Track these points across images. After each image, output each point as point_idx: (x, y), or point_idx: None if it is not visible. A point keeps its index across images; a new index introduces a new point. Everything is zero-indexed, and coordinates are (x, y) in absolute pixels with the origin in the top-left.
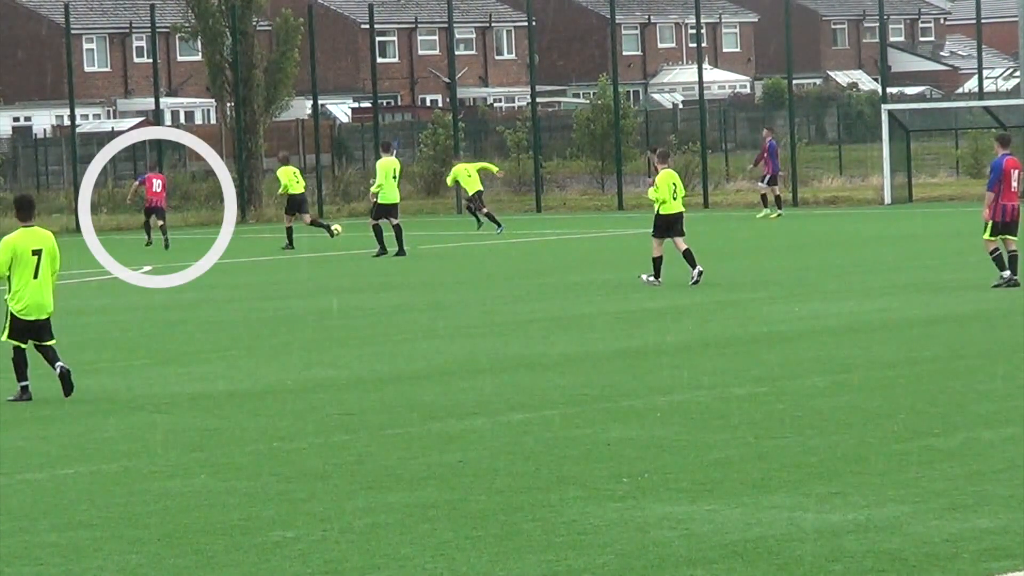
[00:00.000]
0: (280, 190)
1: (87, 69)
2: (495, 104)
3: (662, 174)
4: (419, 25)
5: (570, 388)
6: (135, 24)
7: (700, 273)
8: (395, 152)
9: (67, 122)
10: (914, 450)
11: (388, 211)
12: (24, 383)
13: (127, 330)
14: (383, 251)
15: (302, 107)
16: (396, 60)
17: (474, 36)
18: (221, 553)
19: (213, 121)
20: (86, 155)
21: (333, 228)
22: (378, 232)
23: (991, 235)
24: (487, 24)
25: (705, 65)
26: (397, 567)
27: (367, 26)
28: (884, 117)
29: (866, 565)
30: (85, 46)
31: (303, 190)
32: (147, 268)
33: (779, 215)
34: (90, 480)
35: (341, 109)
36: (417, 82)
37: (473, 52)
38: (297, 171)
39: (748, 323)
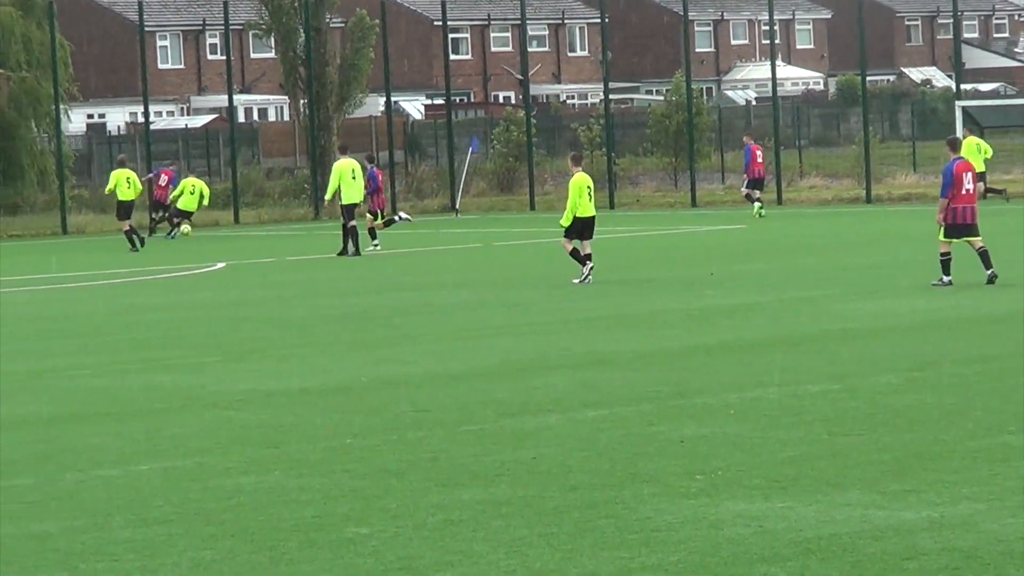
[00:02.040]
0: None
1: (161, 66)
2: (568, 101)
3: (575, 178)
4: (492, 22)
5: (643, 385)
6: (208, 21)
7: (591, 271)
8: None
9: (141, 119)
10: (988, 447)
11: (351, 211)
12: None
13: (199, 327)
14: (356, 252)
15: (375, 104)
16: (469, 57)
17: (547, 33)
18: (295, 550)
19: (287, 118)
20: (160, 152)
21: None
22: (353, 233)
23: (944, 237)
24: (560, 21)
25: (778, 62)
26: (471, 564)
27: (440, 23)
28: (958, 114)
29: (940, 563)
30: (159, 43)
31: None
32: None
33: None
34: (164, 476)
35: (414, 106)
36: (490, 79)
37: (546, 49)
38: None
39: (820, 320)
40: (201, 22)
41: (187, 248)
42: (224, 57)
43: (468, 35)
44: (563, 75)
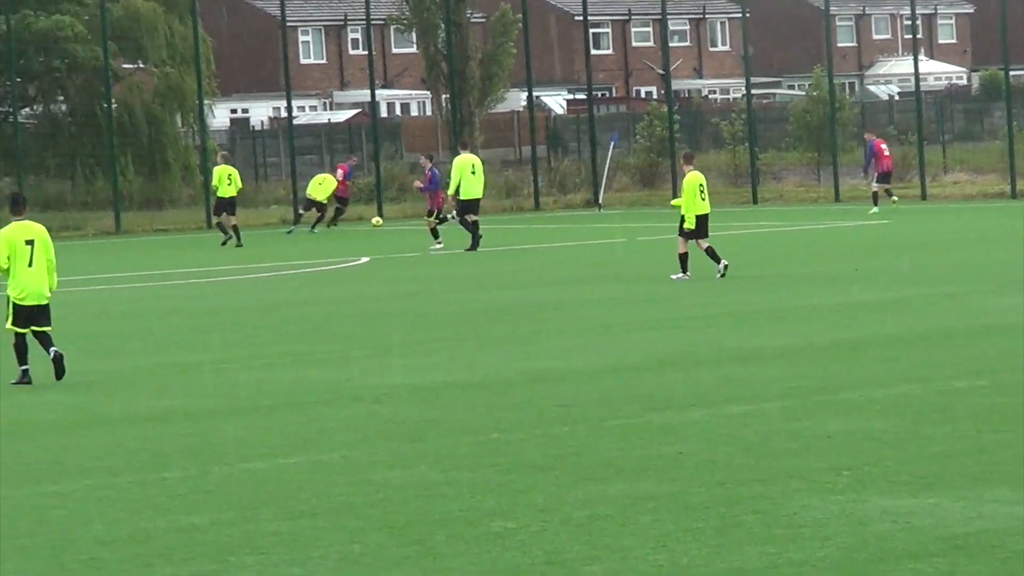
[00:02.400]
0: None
1: (303, 61)
2: (709, 96)
3: (688, 177)
4: (633, 17)
5: (788, 380)
6: (350, 16)
7: (725, 267)
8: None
9: (284, 114)
10: None
11: (469, 206)
12: (25, 367)
13: (345, 321)
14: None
15: (517, 99)
16: (610, 52)
17: (688, 28)
18: (441, 543)
19: (429, 113)
20: (303, 147)
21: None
22: (469, 226)
23: None
24: (701, 16)
25: (921, 56)
26: (617, 559)
27: (581, 18)
28: None
29: None
30: (301, 38)
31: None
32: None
33: (892, 201)
34: (311, 470)
35: (556, 101)
36: (631, 74)
37: (687, 44)
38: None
39: (967, 315)
40: (343, 17)
41: (331, 242)
42: (366, 52)
43: (609, 30)
44: (704, 70)
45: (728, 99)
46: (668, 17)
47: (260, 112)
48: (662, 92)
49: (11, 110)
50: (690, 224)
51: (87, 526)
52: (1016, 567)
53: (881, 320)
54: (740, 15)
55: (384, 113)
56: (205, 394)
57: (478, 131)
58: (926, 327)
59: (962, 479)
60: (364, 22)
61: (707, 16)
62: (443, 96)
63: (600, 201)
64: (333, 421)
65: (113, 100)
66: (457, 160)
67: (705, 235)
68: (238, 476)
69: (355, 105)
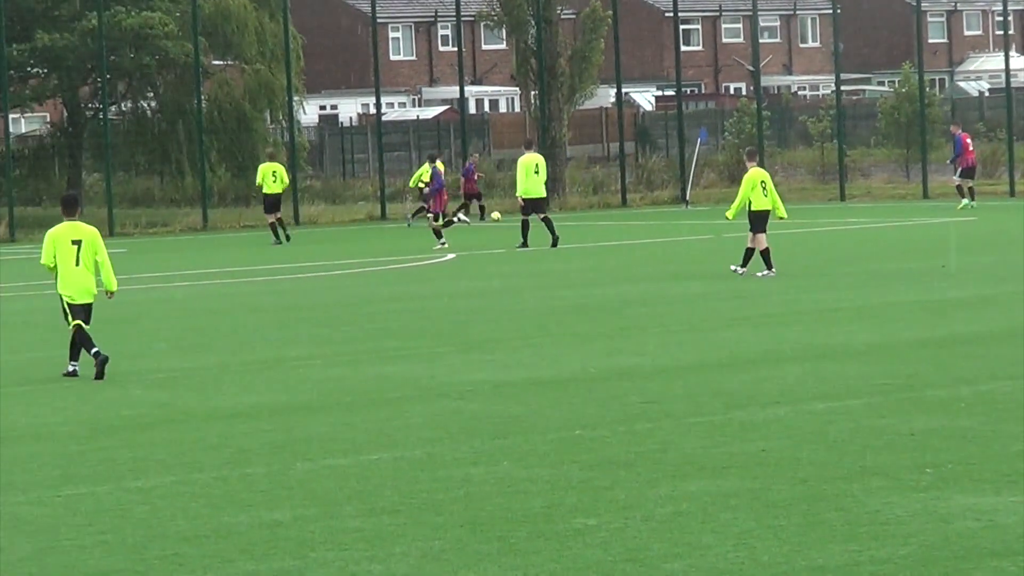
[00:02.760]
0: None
1: (392, 58)
2: (799, 92)
3: (749, 173)
4: (723, 13)
5: (874, 377)
6: (440, 13)
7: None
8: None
9: (372, 110)
10: None
11: (533, 205)
12: (78, 361)
13: (430, 317)
14: (524, 245)
15: (606, 95)
16: (700, 48)
17: (778, 24)
18: (523, 540)
19: (517, 109)
20: (391, 143)
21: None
22: (524, 226)
23: None
24: (791, 12)
25: (1012, 52)
26: (698, 556)
27: (671, 14)
28: None
29: None
30: (391, 35)
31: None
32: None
33: (970, 205)
34: (394, 466)
35: (645, 97)
36: (721, 70)
37: (777, 40)
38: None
39: None
40: (433, 14)
41: (420, 238)
42: (456, 48)
43: (699, 26)
44: (794, 66)
45: (818, 95)
46: (759, 13)
47: (349, 108)
48: (751, 89)
49: (101, 107)
50: (731, 215)
51: (170, 522)
52: None
53: (968, 317)
54: (831, 11)
55: (473, 110)
56: (288, 390)
57: (567, 127)
58: (1013, 324)
59: None
60: (454, 18)
61: (798, 12)
62: (532, 92)
63: (687, 198)
64: (416, 417)
65: (203, 96)
66: (521, 160)
67: (762, 230)
68: (320, 472)
69: (444, 101)
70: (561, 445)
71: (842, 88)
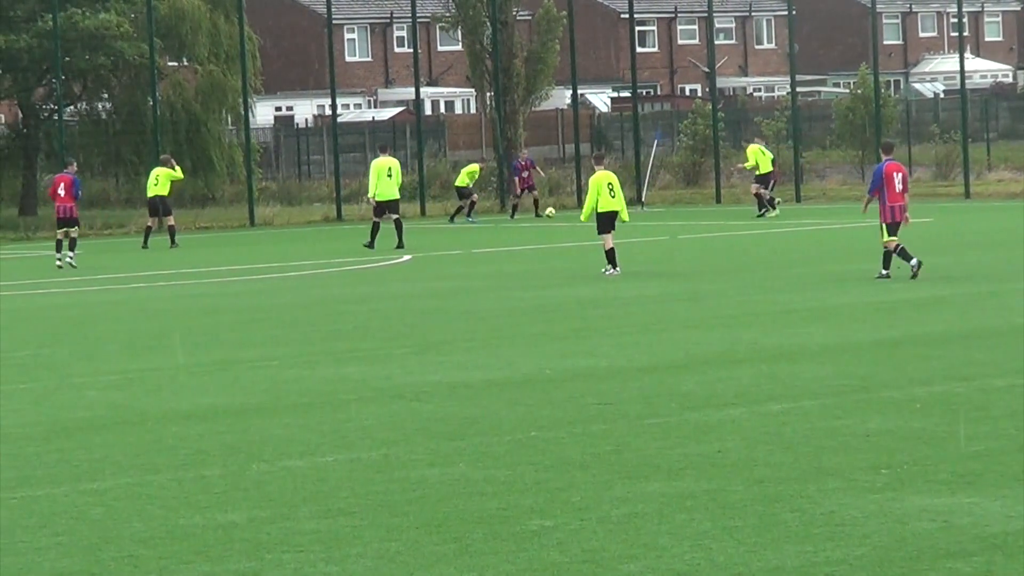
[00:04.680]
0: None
1: (348, 59)
2: (754, 93)
3: (596, 175)
4: (679, 15)
5: (829, 379)
6: (396, 14)
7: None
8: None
9: (328, 112)
10: None
11: (386, 207)
12: None
13: (387, 318)
14: (371, 246)
15: (562, 97)
16: (656, 49)
17: (734, 25)
18: (479, 541)
19: (473, 111)
20: (347, 145)
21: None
22: (374, 228)
23: (888, 236)
24: (747, 13)
25: (967, 54)
26: (655, 557)
27: (627, 16)
28: None
29: None
30: (346, 36)
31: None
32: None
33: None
34: (350, 468)
35: (600, 99)
36: (676, 72)
37: (733, 41)
38: None
39: (1009, 314)
40: (388, 15)
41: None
42: (411, 50)
43: (655, 28)
44: (750, 68)
45: (773, 97)
46: (714, 15)
47: (304, 110)
48: (707, 90)
49: (56, 108)
50: (584, 218)
51: (125, 524)
52: None
53: (922, 318)
54: (786, 13)
55: (428, 111)
56: (244, 392)
57: (522, 129)
58: (967, 326)
59: (1001, 478)
60: (410, 20)
61: (753, 14)
62: (488, 94)
63: (643, 199)
64: (372, 419)
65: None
66: (375, 162)
67: (610, 231)
68: (276, 474)
69: (399, 103)
70: (517, 447)
71: (797, 89)
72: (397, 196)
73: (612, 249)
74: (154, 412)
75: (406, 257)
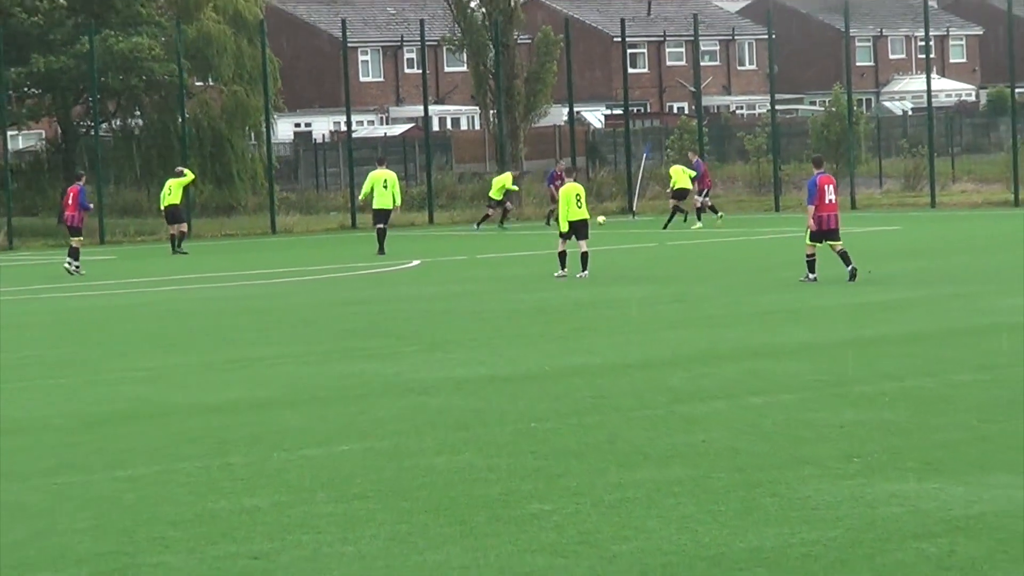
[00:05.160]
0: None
1: (362, 79)
2: (737, 111)
3: (565, 187)
4: (667, 38)
5: (805, 374)
6: (406, 38)
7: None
8: (385, 165)
9: (343, 128)
10: None
11: (381, 216)
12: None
13: (397, 319)
14: (381, 252)
15: (559, 114)
16: (646, 70)
17: (718, 48)
18: (483, 524)
19: (477, 127)
20: (361, 158)
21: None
22: (379, 235)
23: (811, 241)
24: (730, 37)
25: (933, 75)
26: (644, 539)
27: (619, 39)
28: None
29: None
30: (360, 58)
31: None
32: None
33: (698, 226)
34: (364, 456)
35: (595, 116)
36: (665, 91)
37: (717, 63)
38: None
39: (972, 314)
40: (399, 38)
41: (388, 246)
42: (420, 71)
43: (645, 51)
44: (733, 87)
45: (754, 114)
46: (700, 39)
47: (322, 126)
48: (693, 108)
49: (92, 124)
50: (563, 227)
51: (156, 508)
52: (1012, 547)
53: (892, 319)
54: (766, 36)
55: (436, 127)
56: (266, 386)
57: (523, 144)
58: (934, 326)
59: (964, 465)
60: (419, 43)
61: (736, 38)
62: (491, 111)
63: (634, 209)
64: (384, 411)
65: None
66: (372, 174)
67: (584, 236)
68: (296, 462)
69: (409, 120)
70: (517, 437)
71: (776, 107)
72: (390, 206)
73: (564, 253)
74: (182, 405)
75: (415, 262)
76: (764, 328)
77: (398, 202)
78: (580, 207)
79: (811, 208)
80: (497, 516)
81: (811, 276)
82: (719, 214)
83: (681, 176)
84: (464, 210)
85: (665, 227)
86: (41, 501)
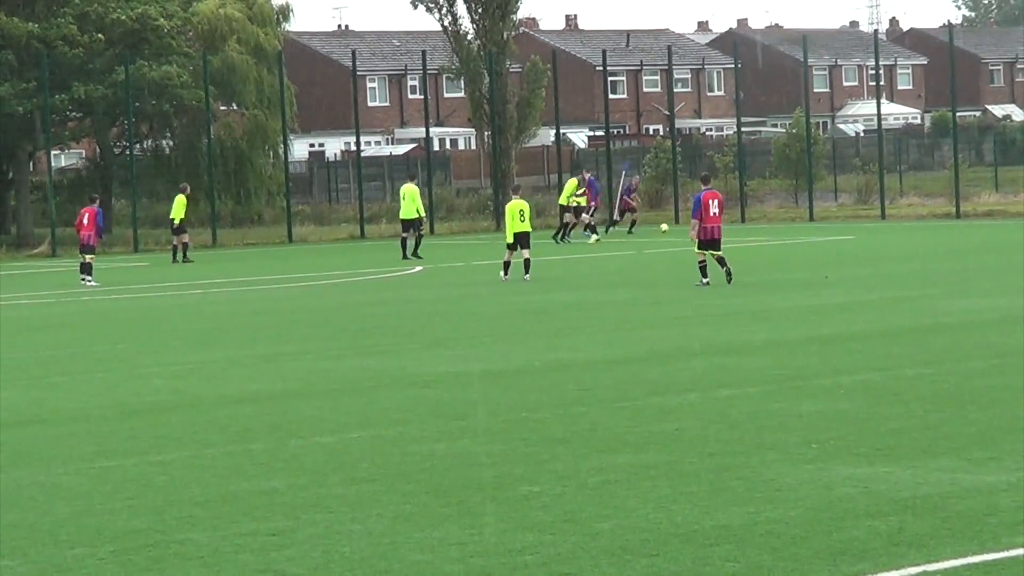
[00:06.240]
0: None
1: (370, 104)
2: (707, 132)
3: (510, 204)
4: (644, 67)
5: (769, 369)
6: (410, 67)
7: (528, 273)
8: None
9: (353, 147)
10: None
11: (409, 224)
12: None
13: (402, 319)
14: (405, 257)
15: (547, 135)
16: (625, 96)
17: (690, 76)
18: (478, 504)
19: (473, 147)
20: (369, 175)
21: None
22: (403, 243)
23: (699, 249)
24: (701, 66)
25: (883, 100)
26: (624, 517)
27: (601, 68)
28: None
29: (1017, 518)
30: (369, 85)
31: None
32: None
33: (597, 240)
34: (371, 443)
35: (579, 137)
36: (642, 114)
37: (688, 89)
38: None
39: (919, 315)
40: (404, 67)
41: (391, 254)
42: (422, 96)
43: (624, 78)
44: (703, 111)
45: (722, 135)
46: (673, 67)
47: (334, 146)
48: (667, 129)
49: (128, 145)
50: (508, 239)
51: (185, 489)
52: (955, 524)
53: (847, 319)
54: (733, 66)
55: (436, 147)
56: (284, 380)
57: (514, 162)
58: (885, 325)
59: (912, 451)
60: (421, 71)
61: (706, 67)
62: (486, 133)
63: (616, 219)
64: (390, 402)
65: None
66: (404, 188)
67: (527, 246)
68: (310, 448)
69: (413, 140)
70: (510, 425)
71: (742, 129)
72: (411, 216)
73: (509, 262)
74: (209, 397)
75: (418, 268)
76: (731, 327)
77: (421, 213)
78: (523, 221)
79: (694, 221)
80: (491, 497)
81: (704, 281)
82: (595, 236)
83: (574, 197)
84: (461, 221)
85: (559, 238)
86: (81, 483)
